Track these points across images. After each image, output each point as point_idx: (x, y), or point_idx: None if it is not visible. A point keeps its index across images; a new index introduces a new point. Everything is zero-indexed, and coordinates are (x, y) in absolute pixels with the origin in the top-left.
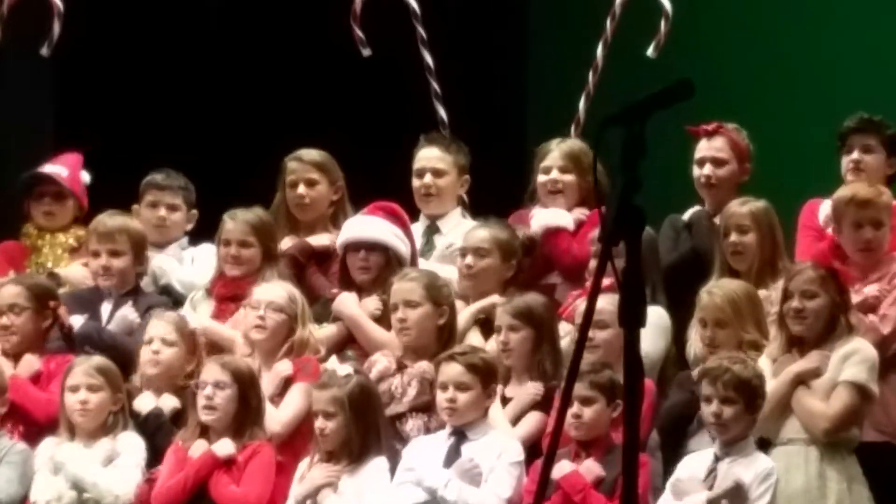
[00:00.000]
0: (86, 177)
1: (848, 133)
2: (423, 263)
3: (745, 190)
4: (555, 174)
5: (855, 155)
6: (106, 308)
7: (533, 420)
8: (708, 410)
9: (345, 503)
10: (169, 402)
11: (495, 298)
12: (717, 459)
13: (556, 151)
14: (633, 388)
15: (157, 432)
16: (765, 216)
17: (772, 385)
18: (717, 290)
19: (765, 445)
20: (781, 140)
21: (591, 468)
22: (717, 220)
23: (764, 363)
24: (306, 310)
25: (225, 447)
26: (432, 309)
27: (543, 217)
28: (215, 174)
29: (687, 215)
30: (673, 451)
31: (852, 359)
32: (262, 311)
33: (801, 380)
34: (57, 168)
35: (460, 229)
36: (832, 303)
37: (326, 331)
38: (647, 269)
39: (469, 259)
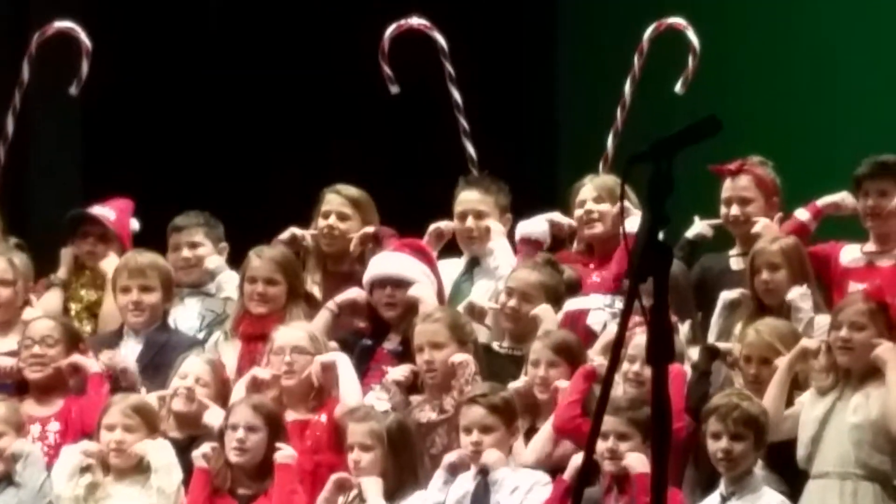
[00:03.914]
0: (134, 224)
1: (862, 179)
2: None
3: None
4: (589, 205)
5: (870, 201)
6: (131, 346)
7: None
8: (717, 447)
9: None
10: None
11: None
12: (724, 500)
13: (588, 185)
14: (662, 427)
15: None
16: (795, 251)
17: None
18: (763, 327)
19: (801, 477)
20: (808, 175)
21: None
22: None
23: (807, 397)
24: (327, 346)
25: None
26: (457, 349)
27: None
28: (245, 213)
29: None
30: None
31: None
32: (289, 356)
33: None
34: (105, 210)
35: (503, 257)
36: (880, 337)
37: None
38: (687, 306)
39: (513, 302)
